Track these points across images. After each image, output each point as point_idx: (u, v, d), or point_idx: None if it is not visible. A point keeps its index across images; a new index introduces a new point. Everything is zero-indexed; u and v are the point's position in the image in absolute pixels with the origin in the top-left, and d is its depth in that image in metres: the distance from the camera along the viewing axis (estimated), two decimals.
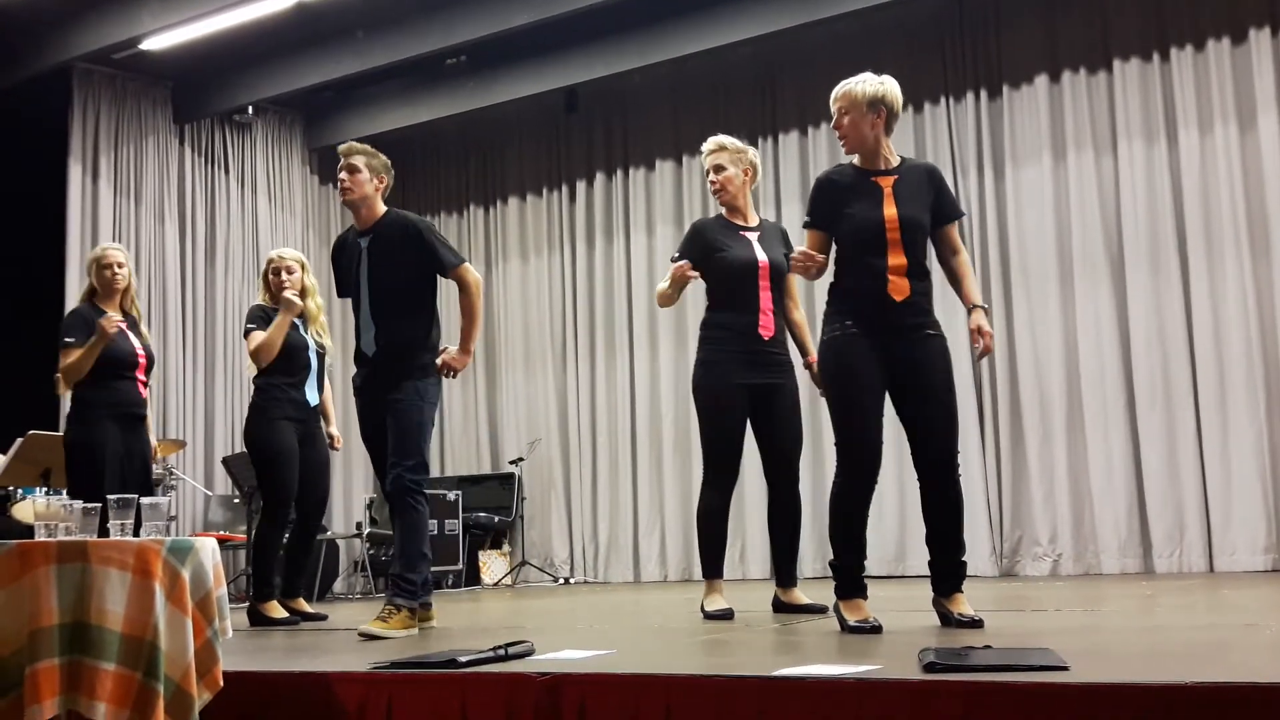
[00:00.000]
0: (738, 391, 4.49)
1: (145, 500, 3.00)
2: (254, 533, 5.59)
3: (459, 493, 9.04)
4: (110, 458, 5.06)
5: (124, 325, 5.23)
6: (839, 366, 3.72)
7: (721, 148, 4.67)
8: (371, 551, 8.51)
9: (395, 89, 9.29)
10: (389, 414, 4.39)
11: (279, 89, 8.92)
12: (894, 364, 3.69)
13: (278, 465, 5.24)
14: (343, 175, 4.55)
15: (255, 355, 5.30)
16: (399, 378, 4.39)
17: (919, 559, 7.11)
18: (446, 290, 4.63)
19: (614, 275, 9.36)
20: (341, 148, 4.66)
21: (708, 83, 8.88)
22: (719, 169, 4.64)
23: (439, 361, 4.42)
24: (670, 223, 9.10)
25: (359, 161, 4.54)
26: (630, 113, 9.37)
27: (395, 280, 4.45)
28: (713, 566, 4.56)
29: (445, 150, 10.26)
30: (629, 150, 9.38)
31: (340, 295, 4.76)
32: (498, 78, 8.90)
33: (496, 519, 9.22)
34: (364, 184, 4.53)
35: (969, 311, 3.76)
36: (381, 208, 4.59)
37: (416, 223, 4.52)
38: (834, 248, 3.81)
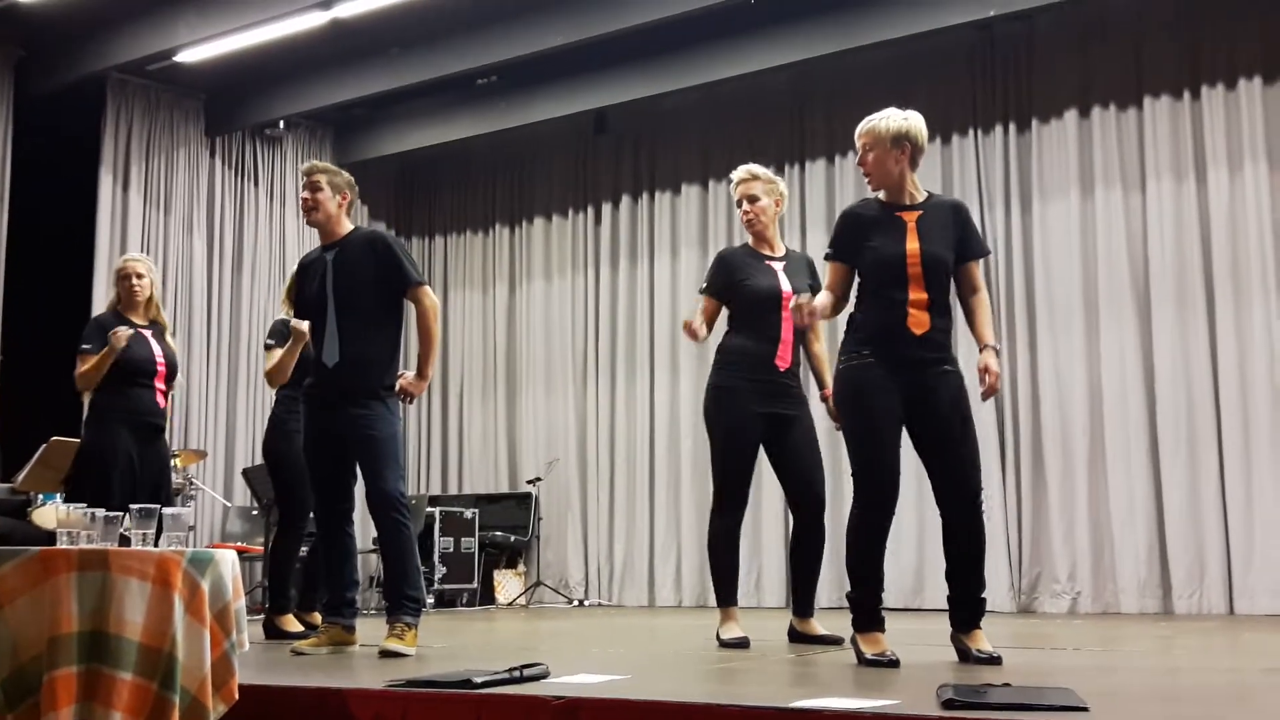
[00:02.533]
0: (752, 419, 4.48)
1: (167, 511, 3.01)
2: (271, 545, 5.59)
3: (476, 511, 9.04)
4: (120, 465, 5.07)
5: (146, 333, 5.24)
6: (855, 395, 3.72)
7: (754, 177, 4.67)
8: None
9: (426, 107, 9.35)
10: (357, 431, 4.36)
11: (311, 104, 9.00)
12: (910, 397, 3.68)
13: (295, 478, 5.25)
14: (305, 194, 4.56)
15: (268, 377, 5.32)
16: (363, 394, 4.38)
17: (937, 592, 7.05)
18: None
19: (637, 298, 9.37)
20: (304, 167, 4.72)
21: (737, 108, 8.90)
22: (752, 199, 4.64)
23: (396, 385, 4.42)
24: (695, 247, 9.11)
25: (321, 180, 4.55)
26: (659, 136, 9.40)
27: (361, 291, 4.44)
28: (726, 594, 4.55)
29: (474, 169, 10.31)
30: (656, 173, 9.40)
31: (299, 316, 4.75)
32: (528, 98, 8.94)
33: (512, 538, 9.22)
34: (326, 201, 4.53)
35: (981, 350, 3.76)
36: (347, 224, 4.60)
37: (384, 235, 4.59)
38: (856, 280, 3.83)
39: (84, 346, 5.16)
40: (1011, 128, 7.94)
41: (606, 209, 9.62)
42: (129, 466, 5.09)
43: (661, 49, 8.22)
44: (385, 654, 4.13)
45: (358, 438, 4.38)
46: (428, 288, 4.51)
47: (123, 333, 5.09)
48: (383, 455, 4.35)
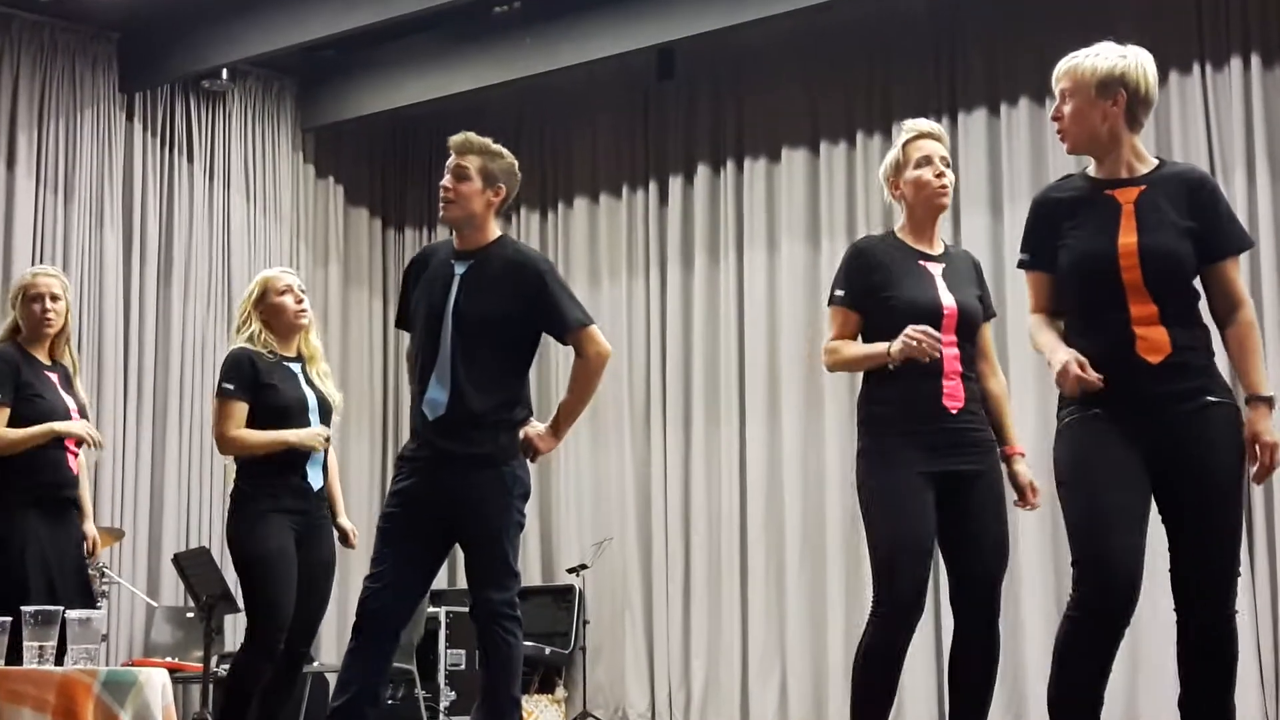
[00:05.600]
0: (919, 485, 4.40)
1: (72, 614, 3.03)
2: (233, 665, 5.62)
3: None
4: (31, 558, 5.14)
5: (52, 377, 5.34)
6: (1077, 462, 3.73)
7: (945, 137, 4.59)
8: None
9: (423, 47, 9.41)
10: (463, 512, 4.60)
11: (265, 45, 9.06)
12: (1158, 450, 3.66)
13: (268, 577, 5.26)
14: (446, 181, 4.72)
15: (222, 443, 5.35)
16: (475, 463, 4.59)
17: (1156, 716, 6.97)
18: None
19: (720, 308, 9.37)
20: (453, 140, 4.80)
21: (858, 42, 8.87)
22: (947, 163, 4.52)
23: (520, 435, 4.63)
24: (800, 236, 9.09)
25: (470, 164, 4.71)
26: (748, 83, 9.40)
27: (489, 326, 4.63)
28: None
29: (490, 131, 10.13)
30: (745, 134, 9.40)
31: (399, 325, 4.97)
32: (564, 32, 8.97)
33: (548, 650, 9.19)
34: (471, 197, 4.71)
35: (1246, 402, 3.71)
36: (494, 230, 4.81)
37: (537, 263, 4.76)
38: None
39: None
40: (1254, 62, 7.82)
41: (675, 184, 9.63)
42: (40, 556, 5.15)
43: None
44: None
45: (465, 515, 4.61)
46: (595, 330, 4.72)
47: (76, 428, 5.25)
48: (492, 548, 4.60)
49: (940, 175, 4.46)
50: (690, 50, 9.25)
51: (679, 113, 9.68)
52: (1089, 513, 3.67)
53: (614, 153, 9.91)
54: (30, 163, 8.92)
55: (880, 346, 4.38)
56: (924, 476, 4.40)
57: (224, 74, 9.51)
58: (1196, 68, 7.97)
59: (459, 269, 4.71)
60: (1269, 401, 3.68)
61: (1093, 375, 3.61)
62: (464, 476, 4.58)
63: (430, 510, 4.63)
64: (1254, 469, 3.68)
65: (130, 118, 9.41)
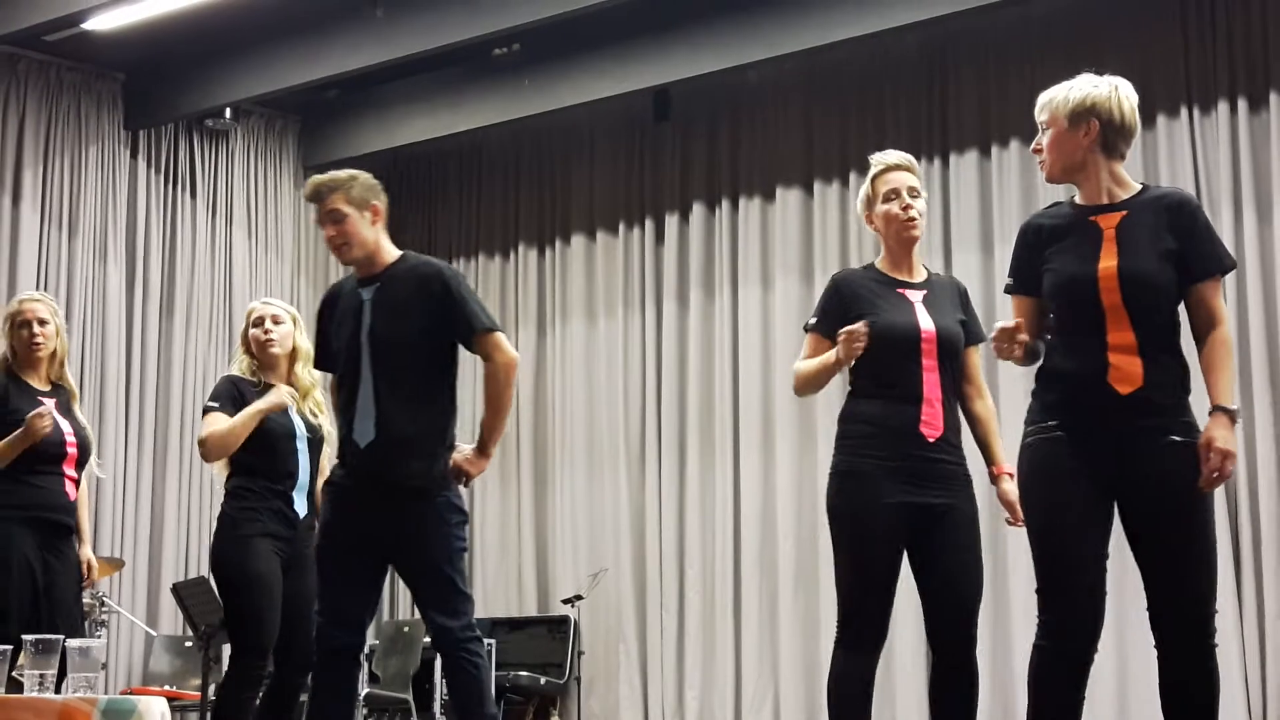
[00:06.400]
0: (889, 514, 4.40)
1: (72, 643, 3.03)
2: (218, 691, 5.60)
3: (492, 642, 9.00)
4: (18, 582, 5.11)
5: (49, 403, 5.31)
6: (1037, 482, 3.72)
7: (914, 166, 4.61)
8: None
9: (424, 87, 9.46)
10: (403, 540, 4.53)
11: (268, 85, 9.11)
12: (1116, 483, 3.66)
13: (252, 599, 5.22)
14: (328, 230, 4.63)
15: (204, 446, 5.29)
16: (410, 493, 4.52)
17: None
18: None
19: (715, 343, 9.38)
20: (306, 192, 4.72)
21: (851, 83, 8.91)
22: (915, 194, 4.56)
23: (449, 463, 4.55)
24: (795, 273, 9.11)
25: (337, 203, 4.59)
26: (742, 123, 9.44)
27: (408, 346, 4.57)
28: None
29: (489, 170, 10.38)
30: (740, 173, 9.44)
31: (317, 366, 4.95)
32: (563, 74, 9.01)
33: (543, 680, 9.16)
34: (358, 231, 4.60)
35: (1209, 413, 3.67)
36: (391, 249, 4.72)
37: (441, 269, 4.68)
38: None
39: None
40: (1241, 105, 7.85)
41: (671, 222, 9.66)
42: (29, 581, 5.13)
43: (741, 4, 8.26)
44: None
45: (404, 549, 4.55)
46: (501, 336, 4.61)
47: (45, 413, 5.15)
48: (439, 574, 4.51)
49: (908, 208, 4.47)
50: (686, 92, 9.31)
51: (675, 153, 9.72)
52: (1049, 538, 3.67)
53: (611, 191, 9.93)
54: (35, 199, 8.95)
55: (829, 355, 4.37)
56: (893, 506, 4.39)
57: (228, 113, 9.56)
58: (1184, 111, 7.99)
59: (367, 295, 4.64)
60: (1230, 414, 3.63)
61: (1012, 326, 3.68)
62: (398, 512, 4.51)
63: (360, 538, 4.55)
64: (1203, 474, 3.61)
65: (134, 155, 9.44)
